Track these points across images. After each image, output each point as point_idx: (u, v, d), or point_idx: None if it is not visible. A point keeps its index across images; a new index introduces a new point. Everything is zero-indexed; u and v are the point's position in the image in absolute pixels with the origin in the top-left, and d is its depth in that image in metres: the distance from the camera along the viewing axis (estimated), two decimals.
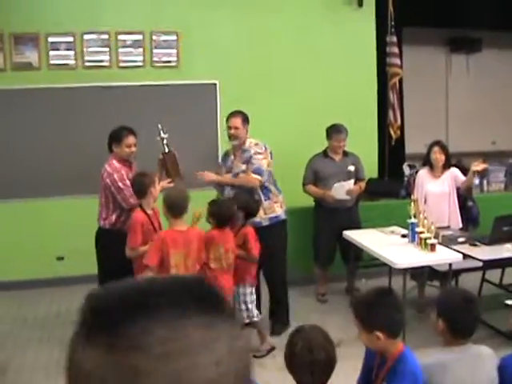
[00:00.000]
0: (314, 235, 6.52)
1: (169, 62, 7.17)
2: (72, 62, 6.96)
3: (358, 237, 5.96)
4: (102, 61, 7.01)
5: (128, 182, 5.06)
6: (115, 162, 5.19)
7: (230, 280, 4.91)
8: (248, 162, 5.51)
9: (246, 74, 7.33)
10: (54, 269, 6.47)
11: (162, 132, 5.44)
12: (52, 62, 6.92)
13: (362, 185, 6.55)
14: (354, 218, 6.45)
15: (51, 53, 6.91)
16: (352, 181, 6.29)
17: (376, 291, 2.96)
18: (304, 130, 7.25)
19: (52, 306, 6.38)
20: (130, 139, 5.21)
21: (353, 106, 7.49)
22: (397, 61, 7.69)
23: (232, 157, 5.67)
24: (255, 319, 5.18)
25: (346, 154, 6.42)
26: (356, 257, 6.33)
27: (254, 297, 5.22)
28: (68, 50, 6.94)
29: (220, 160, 5.84)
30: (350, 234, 6.05)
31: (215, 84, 7.27)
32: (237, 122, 5.59)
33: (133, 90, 7.05)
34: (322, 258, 6.53)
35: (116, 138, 5.25)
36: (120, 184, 5.09)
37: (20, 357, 5.20)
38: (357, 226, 6.38)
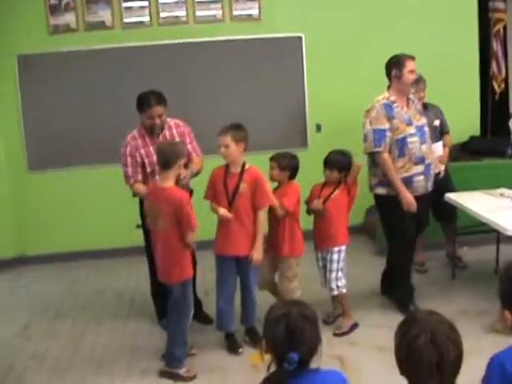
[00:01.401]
0: None
1: (250, 14, 6.65)
2: (146, 18, 6.55)
3: (462, 200, 5.30)
4: (178, 16, 6.57)
5: (130, 161, 4.54)
6: (135, 132, 4.64)
7: None
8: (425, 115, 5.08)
9: (333, 27, 6.75)
10: (132, 237, 6.17)
11: None
12: (126, 20, 6.54)
13: (449, 141, 5.85)
14: (446, 176, 5.78)
15: (125, 10, 6.53)
16: (441, 143, 5.70)
17: None
18: None
19: (130, 277, 6.11)
20: (154, 110, 4.48)
21: (452, 57, 6.80)
22: (501, 5, 6.90)
23: (404, 108, 4.81)
24: (344, 290, 4.65)
25: (425, 106, 5.66)
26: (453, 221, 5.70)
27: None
28: (142, 6, 6.53)
29: (383, 110, 4.72)
30: (453, 197, 5.41)
31: (301, 37, 6.70)
32: None
33: (212, 46, 6.60)
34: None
35: (138, 104, 4.57)
36: (123, 159, 4.59)
37: (93, 333, 4.90)
38: (450, 185, 5.76)
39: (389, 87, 4.93)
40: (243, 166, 4.27)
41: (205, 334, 4.65)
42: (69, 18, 6.47)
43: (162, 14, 6.55)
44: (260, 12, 6.63)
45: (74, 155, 6.68)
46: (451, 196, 5.45)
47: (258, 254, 4.24)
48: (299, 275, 4.55)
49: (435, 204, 5.66)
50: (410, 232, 4.88)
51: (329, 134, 6.80)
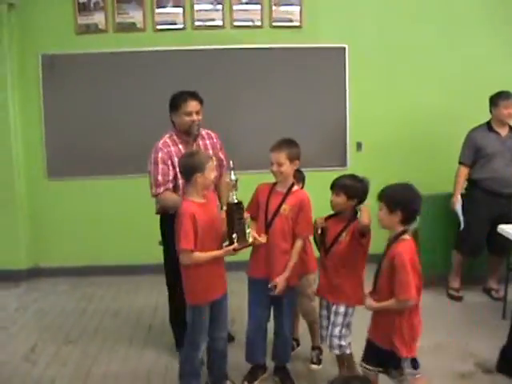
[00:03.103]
0: (466, 220, 5.51)
1: (290, 21, 6.20)
2: (180, 22, 6.15)
3: None
4: (214, 20, 6.16)
5: (162, 168, 4.12)
6: (167, 139, 4.22)
7: None
8: None
9: (379, 37, 6.30)
10: (154, 254, 5.78)
11: (232, 173, 3.67)
12: (158, 22, 6.14)
13: None
14: None
15: (157, 12, 6.13)
16: None
17: None
18: (441, 104, 6.15)
19: (150, 298, 5.66)
20: (190, 105, 4.16)
21: (502, 77, 6.15)
22: None
23: None
24: (349, 351, 3.81)
25: (511, 128, 5.48)
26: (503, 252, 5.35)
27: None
28: (176, 7, 6.13)
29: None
30: (506, 228, 4.87)
31: (344, 48, 6.25)
32: None
33: (249, 54, 6.18)
34: (471, 245, 5.54)
35: (172, 104, 4.24)
36: (153, 166, 4.15)
37: (106, 361, 4.43)
38: None
39: None
40: (291, 186, 3.81)
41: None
42: (98, 18, 6.09)
43: (197, 17, 6.14)
44: (301, 19, 6.19)
45: (95, 164, 6.28)
46: (504, 227, 4.93)
47: (281, 282, 3.70)
48: None
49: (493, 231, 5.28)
50: None
51: (370, 153, 6.38)
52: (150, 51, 6.10)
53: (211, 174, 3.59)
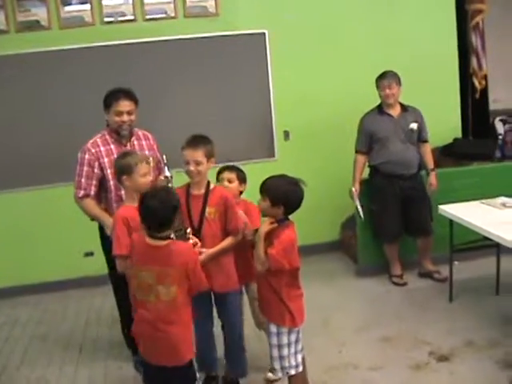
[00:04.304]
0: (373, 209, 5.46)
1: (206, 9, 5.87)
2: (89, 18, 5.73)
3: (458, 212, 4.65)
4: (124, 14, 5.78)
5: (86, 170, 3.92)
6: (97, 139, 4.01)
7: None
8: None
9: (301, 21, 6.05)
10: (81, 267, 5.42)
11: (166, 169, 3.73)
12: (64, 18, 5.70)
13: (428, 151, 5.47)
14: (417, 184, 5.35)
15: (63, 7, 5.69)
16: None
17: None
18: (365, 85, 5.98)
19: (79, 315, 5.26)
20: (122, 105, 3.94)
21: (428, 54, 6.20)
22: None
23: None
24: (294, 371, 3.44)
25: (404, 108, 5.34)
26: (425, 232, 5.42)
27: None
28: (83, 4, 5.72)
29: None
30: (447, 209, 4.76)
31: (264, 33, 5.96)
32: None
33: (164, 46, 5.80)
34: (387, 232, 5.43)
35: (105, 102, 4.02)
36: (78, 167, 3.97)
37: None
38: (422, 193, 5.33)
39: None
40: (208, 185, 3.50)
41: None
42: None
43: (107, 12, 5.75)
44: (217, 7, 5.87)
45: (12, 175, 5.79)
46: (444, 208, 4.81)
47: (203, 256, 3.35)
48: None
49: (406, 212, 5.36)
50: None
51: (298, 141, 6.16)
52: (57, 50, 5.65)
53: (140, 177, 3.39)
